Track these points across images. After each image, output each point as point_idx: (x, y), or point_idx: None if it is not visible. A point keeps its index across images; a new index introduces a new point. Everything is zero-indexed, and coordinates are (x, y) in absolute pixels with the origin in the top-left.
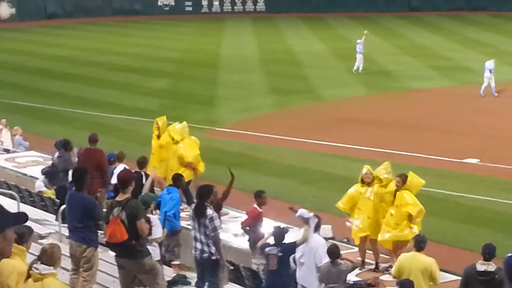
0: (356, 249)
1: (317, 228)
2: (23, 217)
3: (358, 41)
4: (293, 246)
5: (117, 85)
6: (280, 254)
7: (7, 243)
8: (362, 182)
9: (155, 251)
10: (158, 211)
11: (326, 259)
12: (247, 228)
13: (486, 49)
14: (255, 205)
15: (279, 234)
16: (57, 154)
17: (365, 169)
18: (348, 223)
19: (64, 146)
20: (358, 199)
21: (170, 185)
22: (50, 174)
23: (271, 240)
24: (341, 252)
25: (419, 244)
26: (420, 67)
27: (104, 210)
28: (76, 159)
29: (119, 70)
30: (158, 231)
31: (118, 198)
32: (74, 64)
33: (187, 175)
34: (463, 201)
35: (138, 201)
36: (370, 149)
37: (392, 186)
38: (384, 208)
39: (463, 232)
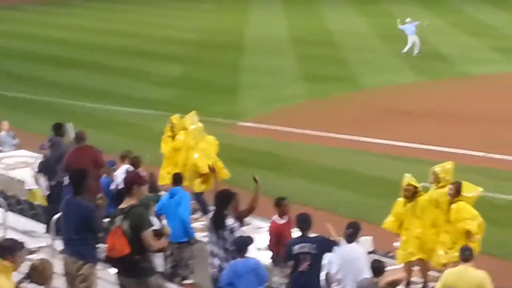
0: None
1: (354, 237)
2: None
3: (408, 20)
4: (330, 243)
5: (123, 72)
6: (314, 251)
7: None
8: (405, 196)
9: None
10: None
11: (366, 274)
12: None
13: None
14: (275, 217)
15: (305, 221)
16: (47, 143)
17: (406, 179)
18: (396, 244)
19: (55, 130)
20: (403, 217)
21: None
22: (45, 167)
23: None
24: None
25: (464, 252)
26: (481, 49)
27: (105, 220)
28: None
29: (125, 54)
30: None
31: (122, 205)
32: (70, 47)
33: (204, 187)
34: None
35: (143, 209)
36: (421, 146)
37: (448, 189)
38: (438, 215)
39: None
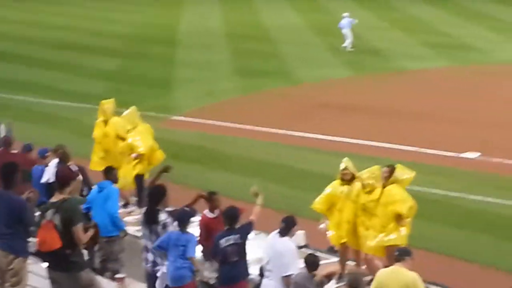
0: (336, 260)
1: (287, 231)
2: None
3: (345, 15)
4: (249, 226)
5: (54, 65)
6: (240, 241)
7: None
8: (342, 179)
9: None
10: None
11: (293, 269)
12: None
13: (492, 24)
14: (206, 211)
15: (232, 215)
16: None
17: (344, 163)
18: (322, 225)
19: None
20: (337, 199)
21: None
22: None
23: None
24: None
25: (398, 253)
26: (413, 45)
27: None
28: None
29: (58, 48)
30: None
31: (53, 199)
32: (3, 40)
33: (140, 169)
34: (461, 202)
35: (76, 203)
36: (354, 141)
37: (377, 193)
38: (366, 219)
39: (461, 239)
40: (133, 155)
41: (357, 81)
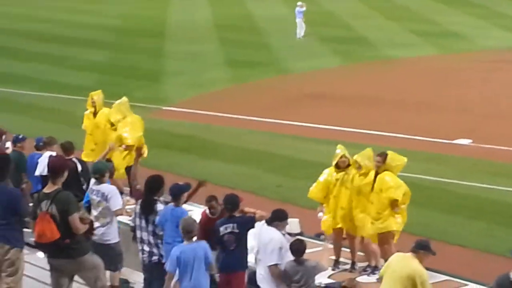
0: (330, 246)
1: (273, 221)
2: None
3: (299, 3)
4: (251, 220)
5: (45, 58)
6: (236, 230)
7: None
8: (337, 166)
9: (112, 230)
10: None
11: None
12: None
13: (475, 11)
14: (206, 210)
15: (232, 202)
16: None
17: (340, 149)
18: (320, 214)
19: None
20: (332, 186)
21: None
22: None
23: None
24: (312, 251)
25: (415, 246)
26: (401, 33)
27: (31, 204)
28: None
29: (46, 40)
30: (117, 202)
31: (46, 190)
32: None
33: (127, 160)
34: (453, 188)
35: (70, 193)
36: (344, 129)
37: (371, 176)
38: (362, 203)
39: (453, 224)
40: (123, 146)
41: (345, 70)
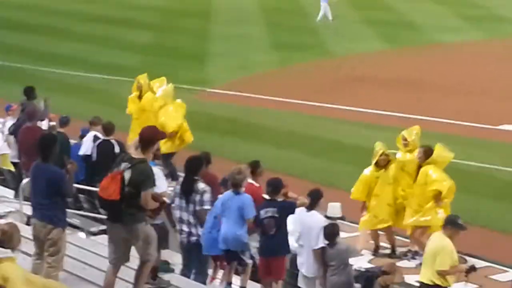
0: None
1: (313, 204)
2: None
3: None
4: (291, 205)
5: (89, 38)
6: (277, 215)
7: None
8: (377, 165)
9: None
10: None
11: (320, 243)
12: None
13: None
14: (251, 180)
15: (274, 185)
16: (19, 107)
17: (378, 147)
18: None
19: (26, 93)
20: (374, 184)
21: None
22: (17, 129)
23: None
24: (347, 235)
25: (445, 221)
26: (448, 17)
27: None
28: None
29: (91, 21)
30: (162, 184)
31: (134, 154)
32: (35, 13)
33: (167, 147)
34: (498, 174)
35: (151, 167)
36: (389, 113)
37: (415, 154)
38: (406, 180)
39: (498, 211)
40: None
41: (391, 54)
